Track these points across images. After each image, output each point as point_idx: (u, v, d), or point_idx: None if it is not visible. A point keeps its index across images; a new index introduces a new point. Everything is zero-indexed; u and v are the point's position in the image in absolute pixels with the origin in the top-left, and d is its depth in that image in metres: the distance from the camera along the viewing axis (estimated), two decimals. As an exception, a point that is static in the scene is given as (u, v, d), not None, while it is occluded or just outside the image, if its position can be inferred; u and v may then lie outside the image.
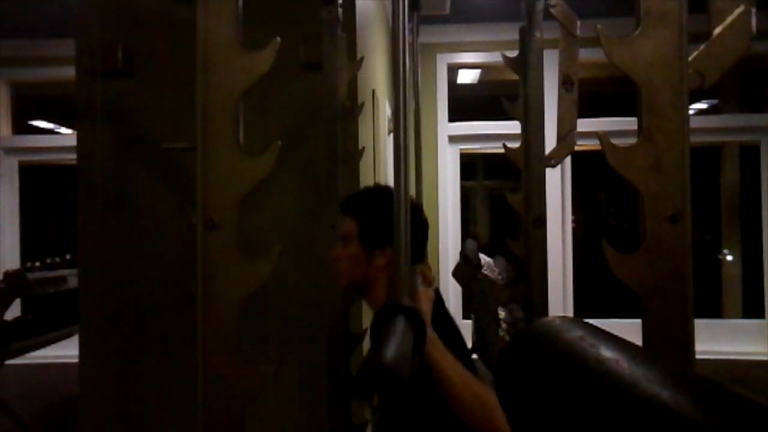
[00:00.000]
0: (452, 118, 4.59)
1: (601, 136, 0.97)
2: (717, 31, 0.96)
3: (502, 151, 2.22)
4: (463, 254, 2.68)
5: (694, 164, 0.94)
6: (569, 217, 4.49)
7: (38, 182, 4.83)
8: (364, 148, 1.78)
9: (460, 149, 4.65)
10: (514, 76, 2.18)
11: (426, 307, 1.14)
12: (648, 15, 0.94)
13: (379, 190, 1.45)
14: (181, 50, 1.07)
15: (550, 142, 2.18)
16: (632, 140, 0.97)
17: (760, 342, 4.20)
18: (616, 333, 0.49)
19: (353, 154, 1.74)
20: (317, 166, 1.70)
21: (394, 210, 0.89)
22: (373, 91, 2.75)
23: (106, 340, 1.80)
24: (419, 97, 2.71)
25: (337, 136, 1.64)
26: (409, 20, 1.43)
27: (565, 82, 2.14)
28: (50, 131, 4.87)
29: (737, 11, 0.95)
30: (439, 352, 1.08)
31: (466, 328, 4.44)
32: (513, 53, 2.18)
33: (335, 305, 1.61)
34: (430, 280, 1.40)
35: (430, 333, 1.08)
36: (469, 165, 5.18)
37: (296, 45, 1.67)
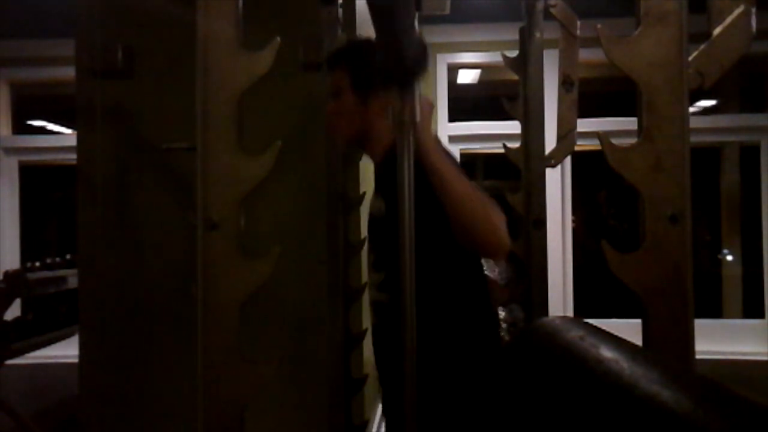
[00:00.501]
0: (452, 118, 4.59)
1: (601, 136, 0.97)
2: (717, 31, 0.96)
3: (502, 151, 2.23)
4: (463, 254, 2.68)
5: (694, 164, 0.95)
6: (569, 217, 4.48)
7: (38, 182, 4.83)
8: (364, 148, 1.78)
9: (460, 149, 4.65)
10: (514, 76, 2.18)
11: (427, 112, 1.06)
12: (648, 15, 0.94)
13: (362, 39, 1.42)
14: (181, 50, 1.07)
15: (550, 142, 2.18)
16: (632, 140, 0.97)
17: (760, 342, 4.20)
18: (616, 333, 0.49)
19: (353, 154, 1.74)
20: (317, 166, 1.70)
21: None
22: (373, 91, 2.74)
23: (106, 340, 1.80)
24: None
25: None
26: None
27: (565, 82, 2.14)
28: (50, 131, 4.87)
29: (737, 11, 0.95)
30: (436, 154, 1.04)
31: (466, 328, 4.36)
32: (513, 53, 2.18)
33: (335, 305, 1.61)
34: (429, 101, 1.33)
35: (428, 139, 1.04)
36: (469, 165, 5.17)
37: (296, 45, 1.67)
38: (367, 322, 1.81)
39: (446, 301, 1.18)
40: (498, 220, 1.05)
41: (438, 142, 1.14)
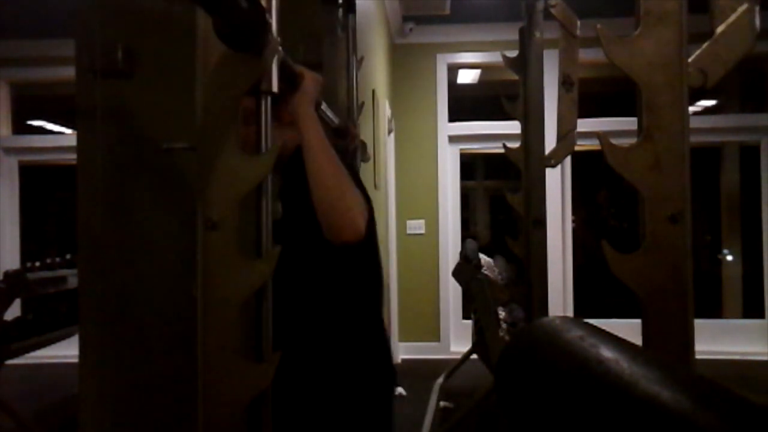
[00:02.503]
0: (452, 118, 4.59)
1: (601, 136, 0.97)
2: (720, 29, 0.95)
3: (502, 151, 2.23)
4: (463, 254, 2.68)
5: (694, 164, 0.94)
6: (569, 217, 4.49)
7: (38, 182, 4.84)
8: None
9: (460, 149, 4.65)
10: (514, 76, 2.18)
11: (310, 87, 1.09)
12: (648, 15, 0.94)
13: None
14: (181, 50, 1.07)
15: (550, 142, 2.19)
16: (632, 140, 0.97)
17: (760, 342, 4.20)
18: (616, 333, 0.49)
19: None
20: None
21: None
22: (373, 91, 2.75)
23: (106, 340, 1.80)
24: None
25: (337, 136, 1.64)
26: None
27: (565, 82, 2.14)
28: (50, 131, 4.87)
29: (740, 9, 0.95)
30: (308, 124, 1.06)
31: (466, 327, 4.43)
32: (513, 53, 2.18)
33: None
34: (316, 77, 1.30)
35: (309, 110, 1.08)
36: (469, 165, 5.18)
37: (296, 45, 1.67)
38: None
39: (323, 295, 1.20)
40: (353, 203, 1.06)
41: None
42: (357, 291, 1.23)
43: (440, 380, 3.35)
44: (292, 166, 1.15)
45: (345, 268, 1.18)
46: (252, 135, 1.13)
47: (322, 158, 1.05)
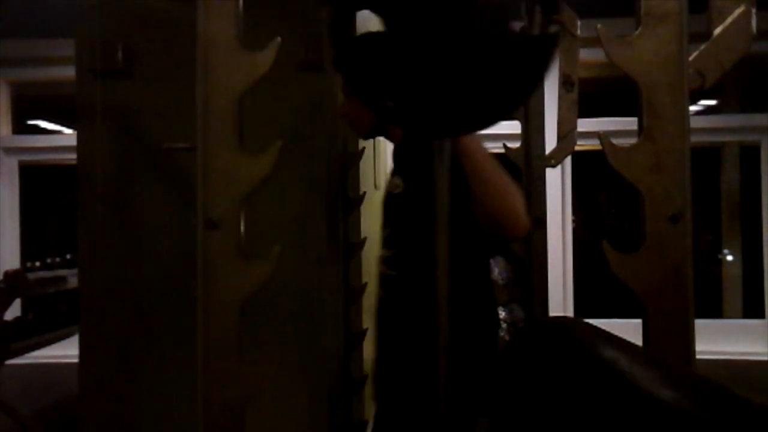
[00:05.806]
0: (452, 118, 4.59)
1: (602, 136, 0.97)
2: (717, 31, 0.96)
3: (502, 151, 2.23)
4: (463, 254, 2.67)
5: (694, 164, 0.95)
6: (569, 217, 4.48)
7: (38, 182, 4.83)
8: (364, 148, 1.78)
9: (460, 149, 4.65)
10: (514, 76, 2.17)
11: None
12: (648, 15, 0.94)
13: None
14: (181, 50, 1.07)
15: (550, 142, 2.18)
16: (632, 140, 0.97)
17: (760, 342, 4.20)
18: (616, 333, 0.49)
19: (353, 154, 1.74)
20: (318, 165, 1.70)
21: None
22: (373, 91, 2.74)
23: (106, 340, 1.80)
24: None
25: (337, 136, 1.64)
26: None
27: (565, 82, 2.14)
28: (50, 131, 4.87)
29: (737, 11, 0.95)
30: (475, 147, 1.16)
31: (466, 328, 4.36)
32: (513, 53, 2.18)
33: (335, 305, 1.61)
34: None
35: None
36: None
37: (296, 45, 1.67)
38: (367, 322, 1.81)
39: (466, 286, 1.24)
40: (518, 202, 1.13)
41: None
42: (485, 266, 1.33)
43: (440, 380, 3.34)
44: (409, 142, 1.26)
45: (482, 249, 1.27)
46: (348, 108, 1.32)
47: (485, 163, 1.13)
